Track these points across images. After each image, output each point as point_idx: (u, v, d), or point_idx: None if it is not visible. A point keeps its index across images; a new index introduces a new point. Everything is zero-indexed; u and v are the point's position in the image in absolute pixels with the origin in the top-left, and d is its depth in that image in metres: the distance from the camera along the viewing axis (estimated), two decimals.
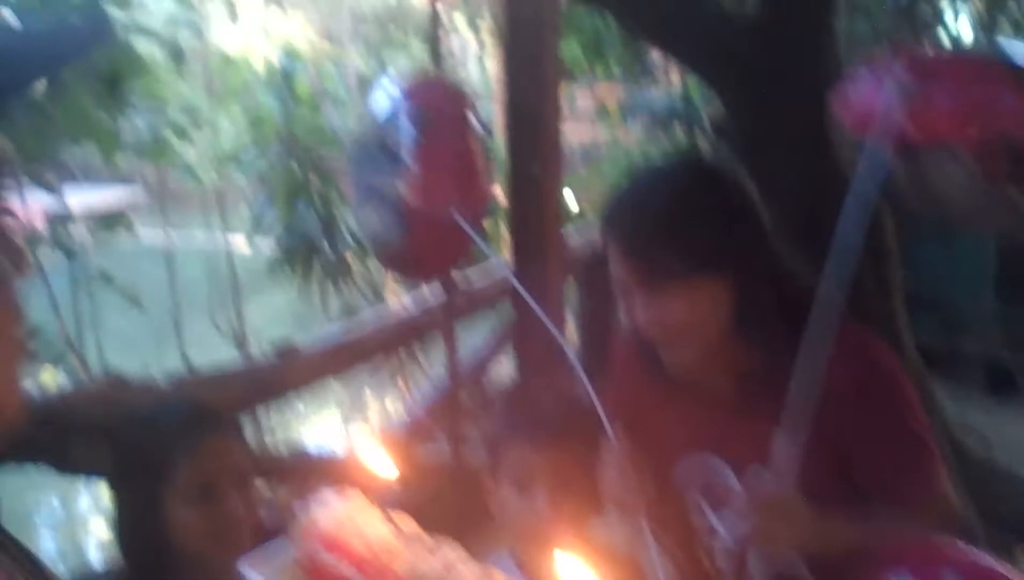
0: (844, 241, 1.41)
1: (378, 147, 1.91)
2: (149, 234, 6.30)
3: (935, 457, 1.54)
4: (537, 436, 1.59)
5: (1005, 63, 1.52)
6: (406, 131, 1.88)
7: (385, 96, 1.98)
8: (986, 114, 1.44)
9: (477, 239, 1.88)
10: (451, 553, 1.17)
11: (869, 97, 1.55)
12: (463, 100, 2.01)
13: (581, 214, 7.78)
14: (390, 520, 1.21)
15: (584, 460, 1.58)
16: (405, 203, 1.86)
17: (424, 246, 1.95)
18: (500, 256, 5.98)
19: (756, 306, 1.49)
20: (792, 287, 1.53)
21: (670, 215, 1.48)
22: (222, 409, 1.81)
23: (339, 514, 1.18)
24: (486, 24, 7.20)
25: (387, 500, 1.51)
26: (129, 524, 1.63)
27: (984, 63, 1.56)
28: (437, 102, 1.95)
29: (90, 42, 0.85)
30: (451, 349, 3.34)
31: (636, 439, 1.60)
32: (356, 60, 7.62)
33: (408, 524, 1.28)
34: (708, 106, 6.69)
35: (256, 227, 5.29)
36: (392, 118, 1.92)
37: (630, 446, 1.56)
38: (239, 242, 5.73)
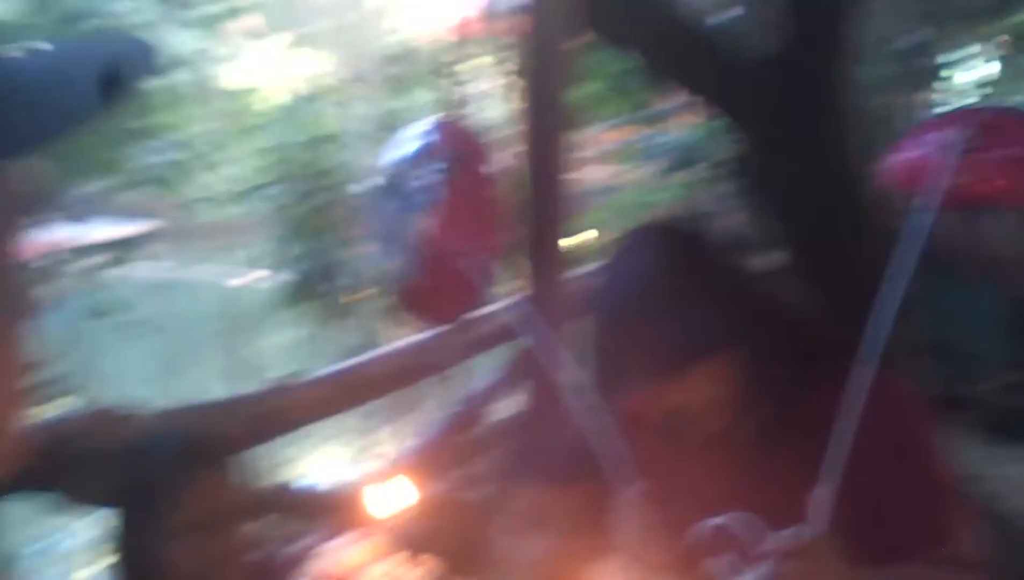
0: (890, 294, 1.46)
1: (400, 187, 1.93)
2: (164, 267, 6.31)
3: (959, 507, 1.53)
4: (548, 477, 1.55)
5: None
6: (428, 173, 1.91)
7: (409, 138, 2.01)
8: None
9: (483, 282, 1.92)
10: None
11: (922, 156, 1.58)
12: (483, 146, 2.06)
13: (601, 251, 7.78)
14: (409, 563, 1.16)
15: (594, 503, 1.54)
16: (422, 244, 1.88)
17: (438, 288, 1.97)
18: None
19: (764, 370, 1.45)
20: (802, 334, 1.51)
21: (657, 310, 1.45)
22: (220, 442, 1.78)
23: (344, 562, 1.13)
24: (504, 65, 7.23)
25: (396, 539, 1.48)
26: (121, 559, 1.60)
27: None
28: (459, 147, 1.98)
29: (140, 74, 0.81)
30: (459, 387, 3.31)
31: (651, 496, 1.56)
32: (375, 99, 7.65)
33: (428, 567, 1.23)
34: (725, 145, 6.69)
35: (269, 262, 5.29)
36: (415, 160, 1.95)
37: (649, 497, 1.52)
38: (252, 277, 5.74)
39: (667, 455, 1.59)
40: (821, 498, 1.37)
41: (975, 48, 7.99)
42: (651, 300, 1.45)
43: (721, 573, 1.47)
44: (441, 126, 2.18)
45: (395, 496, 1.55)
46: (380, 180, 2.03)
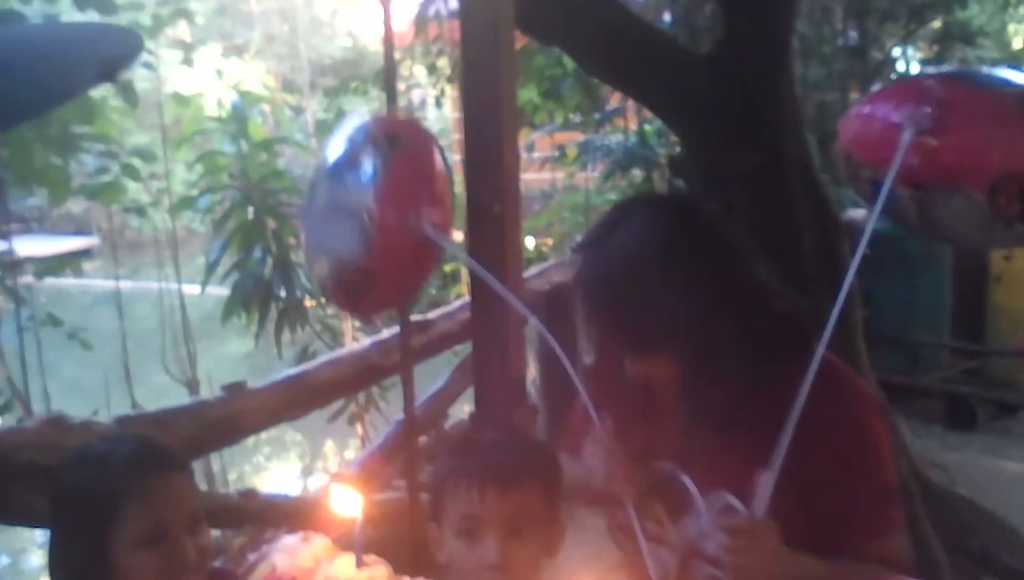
0: (846, 286, 1.49)
1: (346, 166, 1.93)
2: (105, 283, 6.21)
3: (893, 505, 1.57)
4: (484, 481, 1.50)
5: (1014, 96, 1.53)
6: (375, 149, 1.92)
7: (355, 123, 2.03)
8: (998, 154, 1.46)
9: (447, 243, 1.91)
10: None
11: (880, 131, 1.57)
12: (430, 135, 2.08)
13: (540, 255, 7.80)
14: (361, 563, 1.12)
15: (537, 505, 1.50)
16: (370, 218, 1.87)
17: (386, 264, 1.93)
18: (463, 291, 5.95)
19: (719, 363, 1.51)
20: (766, 324, 1.54)
21: (627, 292, 1.51)
22: (174, 448, 1.73)
23: (302, 558, 1.09)
24: (443, 69, 7.22)
25: (347, 544, 1.43)
26: (72, 573, 1.54)
27: (994, 99, 1.57)
28: (406, 128, 2.02)
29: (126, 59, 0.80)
30: (409, 391, 3.28)
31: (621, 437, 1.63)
32: (313, 106, 7.60)
33: (379, 567, 1.19)
34: (666, 148, 6.75)
35: (211, 272, 5.21)
36: (361, 140, 1.96)
37: (615, 446, 1.58)
38: (194, 288, 5.65)
39: (624, 416, 1.66)
40: (764, 482, 1.41)
41: (911, 48, 8.16)
42: (625, 280, 1.51)
43: (664, 515, 1.59)
44: (389, 115, 2.27)
45: (346, 502, 1.50)
46: (320, 171, 2.00)
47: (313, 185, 2.03)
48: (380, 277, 1.95)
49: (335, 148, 1.98)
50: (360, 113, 2.22)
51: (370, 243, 1.88)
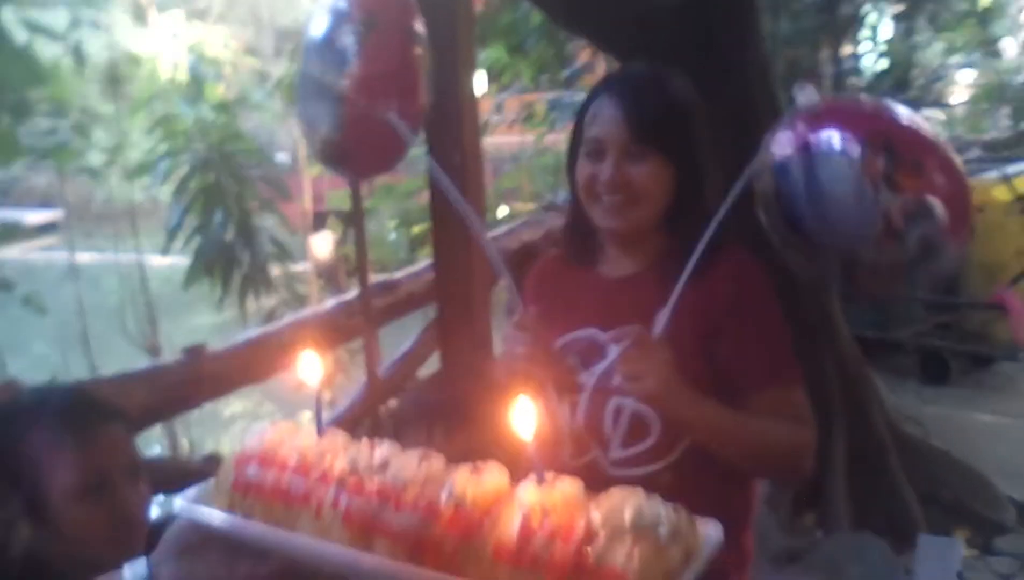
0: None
1: (324, 46, 1.96)
2: (70, 256, 6.11)
3: (790, 357, 1.73)
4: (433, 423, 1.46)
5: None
6: (351, 28, 1.95)
7: (327, 4, 2.03)
8: (875, 121, 1.63)
9: (412, 139, 1.95)
10: (389, 447, 1.07)
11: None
12: (410, 14, 2.04)
13: (510, 216, 7.73)
14: (322, 432, 1.11)
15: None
16: (345, 99, 1.92)
17: (360, 143, 1.99)
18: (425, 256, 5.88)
19: (693, 200, 1.70)
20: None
21: (666, 94, 1.73)
22: (111, 401, 1.66)
23: (270, 437, 1.09)
24: None
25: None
26: (10, 530, 1.47)
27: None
28: (384, 8, 2.01)
29: None
30: (372, 352, 3.22)
31: (546, 322, 1.76)
32: (279, 71, 7.47)
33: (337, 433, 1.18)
34: None
35: (172, 237, 5.10)
36: (339, 15, 1.98)
37: (538, 327, 1.70)
38: (162, 260, 5.57)
39: (567, 289, 1.85)
40: (660, 317, 1.58)
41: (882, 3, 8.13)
42: (664, 91, 1.73)
43: (579, 365, 1.74)
44: None
45: (311, 371, 1.46)
46: (307, 42, 2.02)
47: (302, 58, 2.08)
48: (354, 154, 2.04)
49: (318, 21, 2.00)
50: None
51: (342, 123, 1.95)
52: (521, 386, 1.11)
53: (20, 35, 4.01)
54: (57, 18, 4.60)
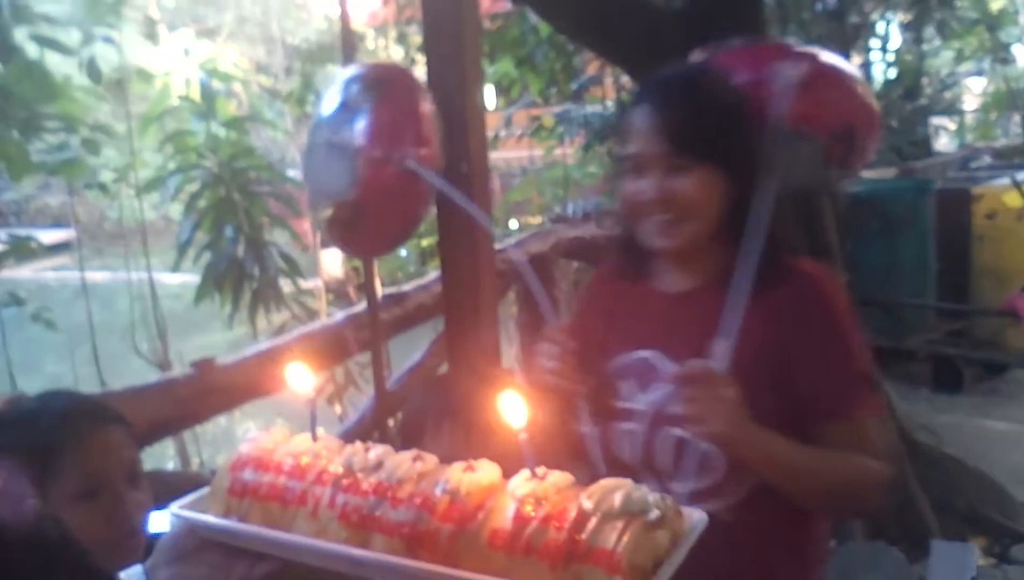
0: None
1: (338, 110, 2.00)
2: (82, 275, 6.13)
3: (868, 385, 1.60)
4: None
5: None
6: (363, 92, 2.00)
7: (346, 72, 2.11)
8: (839, 108, 1.74)
9: (430, 176, 1.97)
10: (382, 448, 1.09)
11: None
12: (416, 80, 2.19)
13: (520, 228, 7.75)
14: (315, 438, 1.13)
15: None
16: (359, 155, 1.95)
17: (375, 198, 2.00)
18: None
19: (747, 210, 1.56)
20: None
21: (704, 97, 1.62)
22: (109, 405, 1.65)
23: (264, 442, 1.11)
24: (414, 41, 7.14)
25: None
26: None
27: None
28: (392, 74, 2.11)
29: None
30: (379, 365, 3.22)
31: (593, 339, 1.72)
32: (289, 89, 7.52)
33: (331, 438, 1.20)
34: None
35: (183, 252, 5.12)
36: (351, 85, 2.04)
37: (575, 341, 1.62)
38: (174, 277, 5.58)
39: (619, 307, 1.77)
40: (719, 348, 1.47)
41: (890, 12, 8.12)
42: (705, 100, 1.61)
43: (635, 390, 1.66)
44: (369, 63, 2.27)
45: (301, 380, 1.48)
46: (316, 117, 2.10)
47: (311, 132, 2.12)
48: (370, 211, 2.02)
49: (329, 96, 2.06)
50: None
51: (359, 178, 1.95)
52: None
53: (31, 51, 4.05)
54: (69, 35, 4.64)
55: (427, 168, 1.98)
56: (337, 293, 6.81)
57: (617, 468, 1.60)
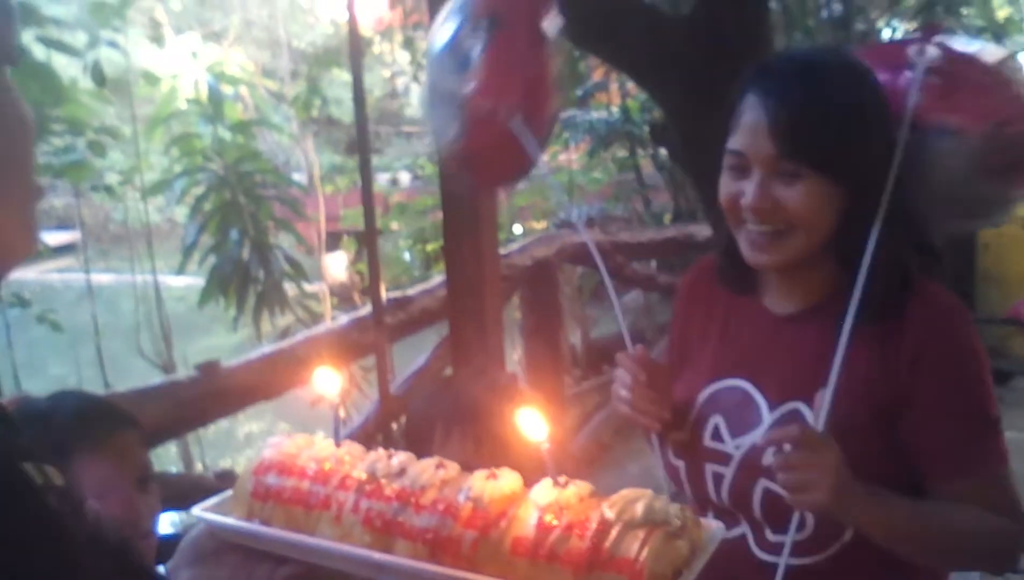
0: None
1: (447, 50, 1.80)
2: (87, 277, 6.15)
3: (997, 435, 1.40)
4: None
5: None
6: (473, 30, 1.78)
7: (458, 4, 1.87)
8: (1002, 108, 1.45)
9: (533, 144, 1.72)
10: (405, 455, 1.09)
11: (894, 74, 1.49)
12: (538, 11, 1.82)
13: (524, 233, 7.75)
14: (339, 443, 1.15)
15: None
16: (467, 105, 1.74)
17: (485, 152, 1.80)
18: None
19: (861, 227, 1.37)
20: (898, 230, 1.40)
21: (826, 91, 1.37)
22: (120, 407, 1.65)
23: (287, 447, 1.12)
24: (421, 45, 7.14)
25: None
26: None
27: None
28: (509, 7, 1.81)
29: None
30: (384, 369, 3.22)
31: (682, 356, 1.59)
32: (294, 93, 7.53)
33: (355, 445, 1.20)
34: (647, 114, 6.68)
35: (188, 255, 5.13)
36: (461, 18, 1.82)
37: (651, 362, 1.49)
38: (179, 280, 5.59)
39: (713, 318, 1.59)
40: (821, 399, 1.32)
41: (896, 19, 8.12)
42: (827, 103, 1.37)
43: (725, 426, 1.49)
44: None
45: (328, 384, 1.48)
46: (428, 52, 1.87)
47: (427, 65, 1.92)
48: (477, 165, 1.85)
49: (439, 27, 1.86)
50: None
51: (464, 131, 1.76)
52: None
53: (39, 53, 4.05)
54: (76, 37, 4.65)
55: (539, 122, 1.74)
56: (341, 297, 6.82)
57: (707, 505, 1.51)
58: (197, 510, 1.11)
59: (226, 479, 3.15)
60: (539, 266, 4.60)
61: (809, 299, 1.47)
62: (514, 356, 4.80)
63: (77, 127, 4.34)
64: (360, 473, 1.06)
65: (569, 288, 4.97)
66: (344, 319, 3.81)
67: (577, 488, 0.99)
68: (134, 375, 5.46)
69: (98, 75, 4.17)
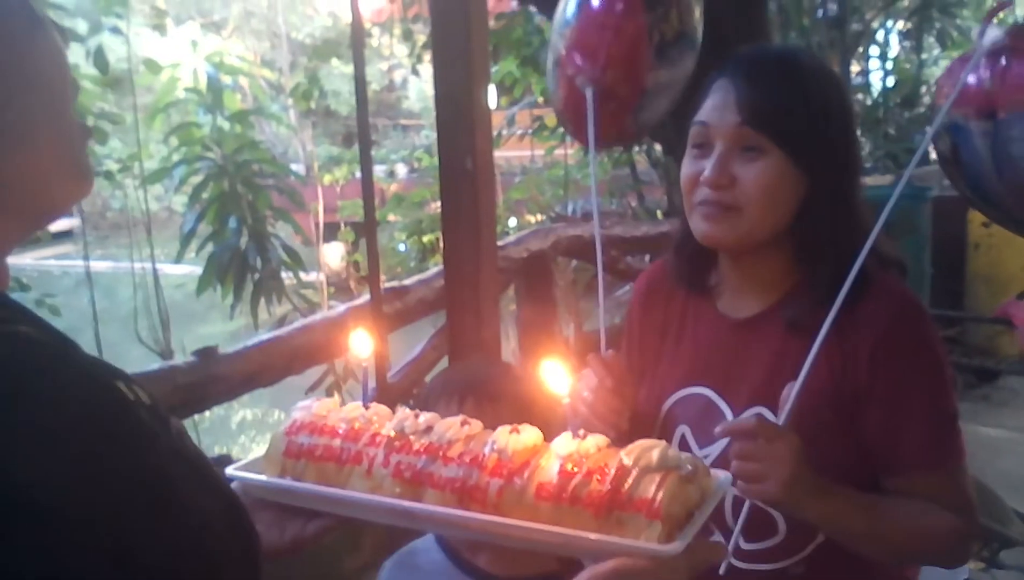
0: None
1: (564, 6, 1.77)
2: (85, 264, 6.17)
3: (954, 430, 1.40)
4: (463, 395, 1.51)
5: None
6: None
7: None
8: None
9: (593, 113, 1.68)
10: (431, 415, 1.15)
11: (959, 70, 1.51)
12: None
13: (519, 226, 7.79)
14: (367, 406, 1.21)
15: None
16: (560, 65, 1.74)
17: (575, 112, 1.76)
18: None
19: (828, 218, 1.39)
20: (856, 225, 1.42)
21: (796, 73, 1.42)
22: None
23: (317, 409, 1.19)
24: (420, 37, 7.18)
25: None
26: None
27: None
28: None
29: None
30: (381, 358, 3.25)
31: (641, 362, 1.58)
32: (290, 80, 7.56)
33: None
34: None
35: (186, 243, 5.16)
36: None
37: (621, 368, 1.49)
38: (177, 268, 5.61)
39: (671, 320, 1.58)
40: (788, 394, 1.32)
41: (891, 19, 8.16)
42: (792, 79, 1.41)
43: (691, 435, 1.49)
44: None
45: (362, 345, 1.53)
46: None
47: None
48: (571, 125, 1.83)
49: None
50: None
51: (560, 92, 1.75)
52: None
53: None
54: (77, 24, 4.67)
55: (622, 93, 1.70)
56: (338, 286, 6.86)
57: None
58: (231, 470, 1.16)
59: (223, 463, 3.18)
60: (534, 259, 4.64)
61: (764, 301, 1.47)
62: (509, 347, 4.83)
63: (78, 113, 4.35)
64: (389, 431, 1.11)
65: (563, 281, 5.01)
66: (341, 308, 3.85)
67: (595, 439, 1.04)
68: (132, 361, 5.49)
69: (101, 62, 4.19)
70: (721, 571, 1.43)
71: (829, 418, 1.38)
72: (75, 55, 4.59)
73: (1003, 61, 1.43)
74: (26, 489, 0.68)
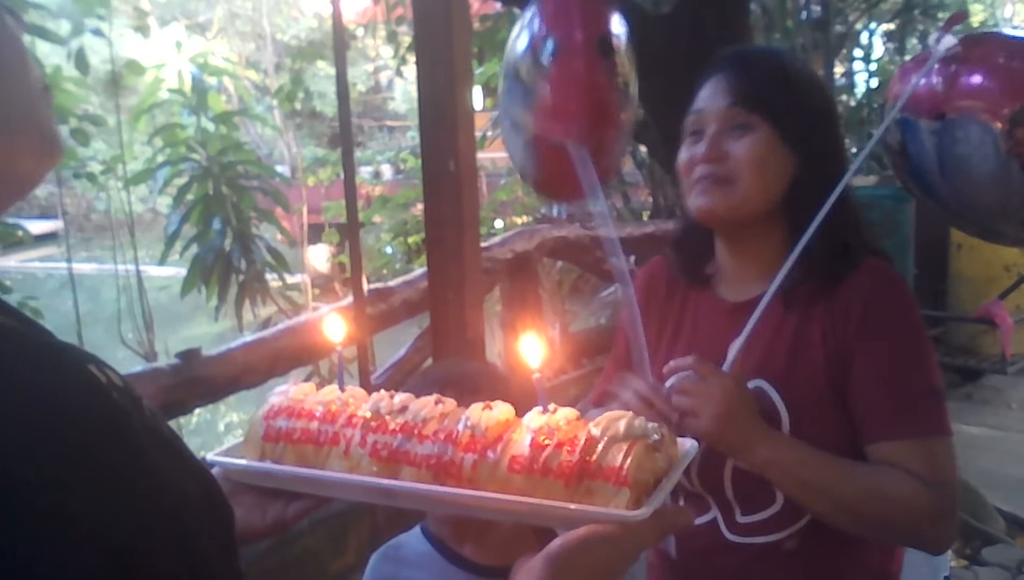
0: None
1: (514, 79, 1.76)
2: (69, 266, 6.16)
3: (938, 405, 1.41)
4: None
5: None
6: (536, 61, 1.74)
7: (525, 26, 1.80)
8: (1019, 81, 1.50)
9: (588, 167, 1.67)
10: (406, 395, 1.15)
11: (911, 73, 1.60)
12: (599, 21, 1.76)
13: (506, 227, 7.79)
14: (343, 389, 1.21)
15: None
16: (534, 135, 1.73)
17: (555, 176, 1.78)
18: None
19: (810, 193, 1.45)
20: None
21: (781, 63, 1.54)
22: None
23: (294, 393, 1.19)
24: (404, 39, 7.17)
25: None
26: None
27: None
28: (569, 28, 1.75)
29: None
30: (364, 359, 3.25)
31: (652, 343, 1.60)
32: (274, 82, 7.54)
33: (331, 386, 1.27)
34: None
35: (170, 244, 5.15)
36: (528, 47, 1.77)
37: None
38: (162, 270, 5.59)
39: (670, 307, 1.64)
40: (733, 348, 1.42)
41: (873, 22, 8.20)
42: (781, 67, 1.52)
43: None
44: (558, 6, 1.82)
45: (335, 330, 1.54)
46: (505, 72, 1.80)
47: (501, 90, 1.86)
48: (553, 186, 1.86)
49: (513, 47, 1.78)
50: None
51: (535, 157, 1.75)
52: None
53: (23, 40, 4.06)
54: (59, 25, 4.66)
55: (603, 148, 1.70)
56: (323, 288, 6.86)
57: (678, 490, 1.52)
58: (211, 455, 1.16)
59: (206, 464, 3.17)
60: (519, 260, 4.65)
61: (760, 284, 1.49)
62: (494, 349, 4.84)
63: (60, 115, 4.34)
64: (365, 412, 1.13)
65: (548, 282, 5.01)
66: (325, 309, 3.84)
67: (565, 412, 1.06)
68: (116, 364, 5.45)
69: (82, 63, 4.18)
70: (724, 532, 1.49)
71: (823, 387, 1.42)
72: (57, 56, 4.59)
73: (953, 68, 1.52)
74: None
